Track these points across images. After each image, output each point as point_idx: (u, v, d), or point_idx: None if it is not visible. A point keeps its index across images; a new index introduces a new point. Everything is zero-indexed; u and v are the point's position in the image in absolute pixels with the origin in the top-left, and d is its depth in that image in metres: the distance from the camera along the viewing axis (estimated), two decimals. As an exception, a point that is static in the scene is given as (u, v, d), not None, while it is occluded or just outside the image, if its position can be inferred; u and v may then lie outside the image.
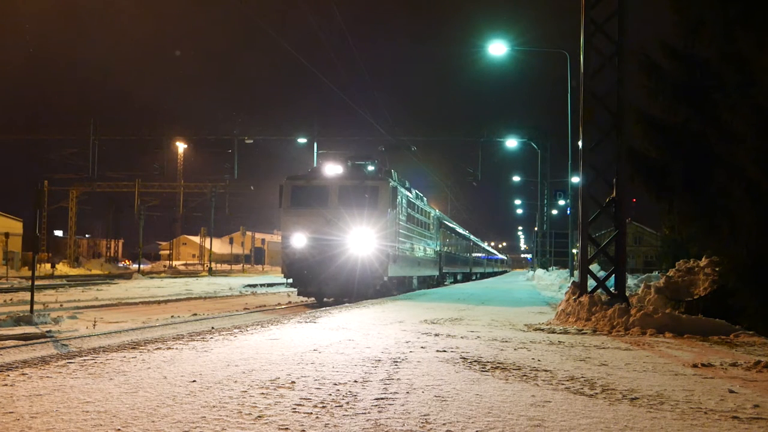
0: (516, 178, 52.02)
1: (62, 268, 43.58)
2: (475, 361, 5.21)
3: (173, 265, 71.32)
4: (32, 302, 10.16)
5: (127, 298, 16.52)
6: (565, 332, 7.67)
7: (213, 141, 49.85)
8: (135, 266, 52.80)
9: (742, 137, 8.43)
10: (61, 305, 13.36)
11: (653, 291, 10.18)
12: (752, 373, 4.87)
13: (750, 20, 8.21)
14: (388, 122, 39.46)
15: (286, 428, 3.04)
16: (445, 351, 5.74)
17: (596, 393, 3.98)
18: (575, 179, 20.35)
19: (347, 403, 3.57)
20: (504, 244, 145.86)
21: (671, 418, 3.36)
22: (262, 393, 3.79)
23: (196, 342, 6.05)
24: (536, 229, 49.51)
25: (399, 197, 17.23)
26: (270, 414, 3.29)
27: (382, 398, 3.70)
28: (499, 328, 8.01)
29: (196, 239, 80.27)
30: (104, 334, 8.65)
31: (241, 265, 68.40)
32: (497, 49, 23.94)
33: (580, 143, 9.59)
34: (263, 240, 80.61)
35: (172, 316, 11.69)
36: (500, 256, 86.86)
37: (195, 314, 12.38)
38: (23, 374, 4.26)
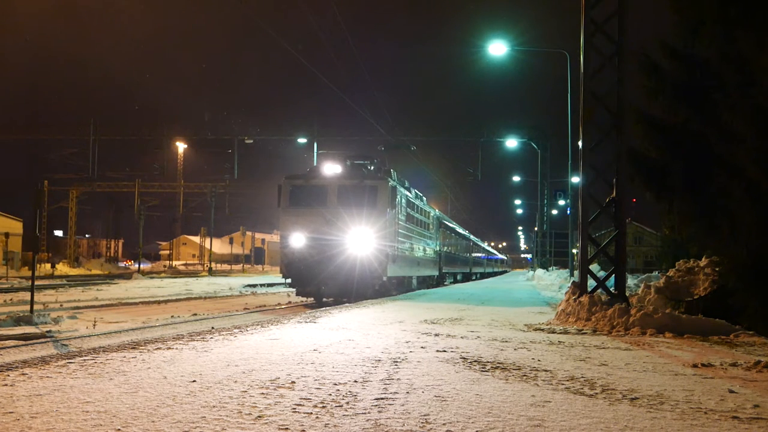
0: (516, 178, 52.12)
1: (62, 268, 43.58)
2: (475, 361, 5.21)
3: (173, 265, 71.32)
4: (32, 302, 10.16)
5: (127, 298, 16.52)
6: (565, 332, 7.67)
7: (213, 141, 49.94)
8: (136, 266, 52.80)
9: (742, 137, 8.42)
10: (61, 305, 13.36)
11: (653, 291, 10.18)
12: (752, 373, 4.87)
13: (750, 20, 8.21)
14: (388, 122, 39.50)
15: (286, 428, 3.04)
16: (445, 351, 5.74)
17: (596, 393, 3.98)
18: (575, 179, 20.37)
19: (347, 403, 3.57)
20: (504, 244, 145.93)
21: (671, 418, 3.36)
22: (262, 393, 3.78)
23: (196, 342, 6.05)
24: (536, 229, 49.55)
25: (398, 197, 17.21)
26: (270, 414, 3.29)
27: (382, 398, 3.70)
28: (499, 328, 8.01)
29: (196, 239, 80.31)
30: (104, 334, 8.65)
31: (241, 265, 68.40)
32: (497, 49, 23.96)
33: (580, 143, 9.59)
34: (263, 240, 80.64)
35: (172, 316, 11.69)
36: (500, 256, 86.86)
37: (195, 314, 12.38)
38: (23, 374, 4.26)
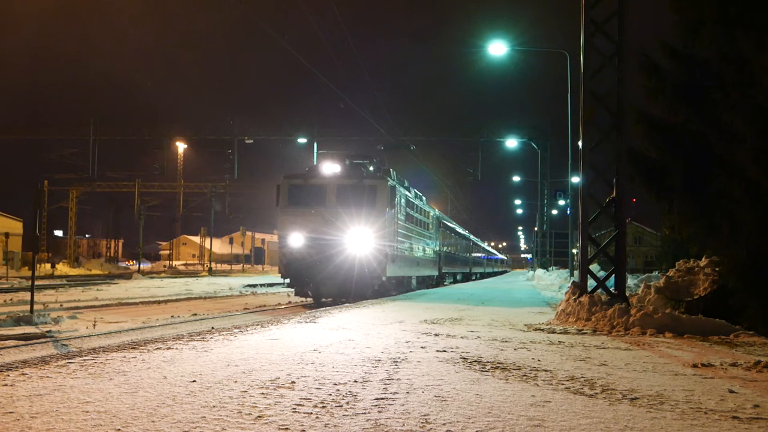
0: (516, 178, 52.11)
1: (62, 268, 43.56)
2: (475, 361, 5.21)
3: (173, 265, 71.30)
4: (32, 302, 10.16)
5: (127, 298, 16.51)
6: (565, 332, 7.67)
7: (213, 141, 49.93)
8: (136, 266, 52.80)
9: (742, 137, 8.42)
10: (61, 305, 13.36)
11: (653, 291, 10.18)
12: (752, 373, 4.87)
13: (750, 20, 8.21)
14: (387, 122, 39.42)
15: (286, 428, 3.04)
16: (445, 351, 5.74)
17: (596, 393, 3.98)
18: (575, 179, 20.37)
19: (347, 403, 3.57)
20: (504, 244, 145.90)
21: (671, 418, 3.36)
22: (262, 393, 3.78)
23: (196, 342, 6.05)
24: (536, 229, 49.56)
25: (398, 196, 17.19)
26: (270, 414, 3.29)
27: (382, 398, 3.70)
28: (499, 328, 8.01)
29: (196, 239, 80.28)
30: (104, 334, 8.65)
31: (241, 265, 68.38)
32: (497, 49, 23.95)
33: (580, 143, 9.59)
34: (263, 240, 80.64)
35: (172, 316, 11.69)
36: (500, 256, 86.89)
37: (195, 314, 12.38)
38: (23, 374, 4.26)
